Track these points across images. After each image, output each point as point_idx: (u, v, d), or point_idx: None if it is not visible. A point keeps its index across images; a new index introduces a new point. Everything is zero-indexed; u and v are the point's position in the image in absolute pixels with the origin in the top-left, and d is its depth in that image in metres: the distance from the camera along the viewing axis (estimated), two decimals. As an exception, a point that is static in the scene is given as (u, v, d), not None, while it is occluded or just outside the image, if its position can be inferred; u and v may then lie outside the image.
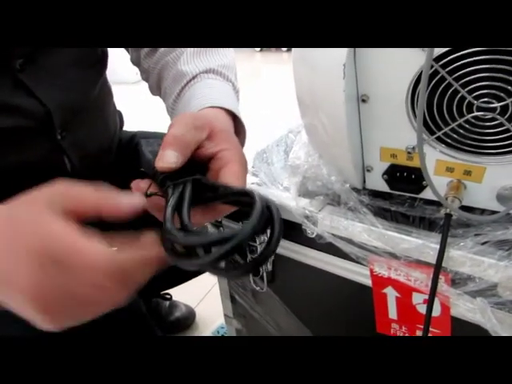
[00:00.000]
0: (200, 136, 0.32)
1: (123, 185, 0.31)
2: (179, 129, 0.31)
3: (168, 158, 0.30)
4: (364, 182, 0.52)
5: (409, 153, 0.45)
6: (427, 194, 0.48)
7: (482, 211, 0.47)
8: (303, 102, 0.46)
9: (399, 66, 0.39)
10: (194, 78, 0.49)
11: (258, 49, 4.80)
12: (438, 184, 0.46)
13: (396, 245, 0.46)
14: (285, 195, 0.55)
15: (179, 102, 0.50)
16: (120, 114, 0.76)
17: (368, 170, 0.50)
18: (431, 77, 0.38)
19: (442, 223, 0.44)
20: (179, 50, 0.53)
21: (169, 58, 0.53)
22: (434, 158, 0.45)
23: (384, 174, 0.49)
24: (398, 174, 0.48)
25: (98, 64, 0.59)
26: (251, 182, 0.60)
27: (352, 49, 0.39)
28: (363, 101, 0.43)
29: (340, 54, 0.38)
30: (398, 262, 0.47)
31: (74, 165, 0.57)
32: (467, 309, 0.43)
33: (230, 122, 0.45)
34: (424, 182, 0.48)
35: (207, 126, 0.34)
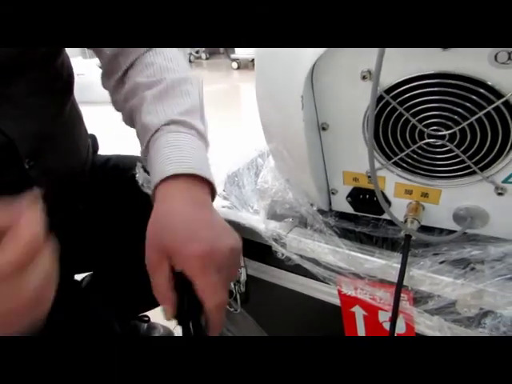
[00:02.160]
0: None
1: (99, 207, 0.32)
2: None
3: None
4: (330, 204, 0.54)
5: (369, 176, 0.47)
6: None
7: (442, 231, 0.49)
8: (268, 131, 0.48)
9: (354, 97, 0.41)
10: (156, 131, 0.47)
11: (236, 66, 4.87)
12: (399, 205, 0.48)
13: (360, 265, 0.48)
14: (255, 218, 0.56)
15: (148, 159, 0.48)
16: (93, 138, 0.76)
17: (333, 193, 0.52)
18: (384, 106, 0.40)
19: (403, 244, 0.46)
20: (141, 94, 0.50)
21: (134, 102, 0.51)
22: (393, 182, 0.47)
23: (348, 196, 0.51)
24: (361, 197, 0.50)
25: (65, 89, 0.60)
26: (222, 206, 0.61)
27: (309, 81, 0.41)
28: (323, 129, 0.45)
29: (298, 87, 0.40)
30: (362, 282, 0.48)
31: (44, 192, 0.57)
32: (427, 326, 0.45)
33: (189, 191, 0.43)
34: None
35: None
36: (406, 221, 0.46)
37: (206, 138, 0.50)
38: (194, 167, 0.43)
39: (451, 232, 0.46)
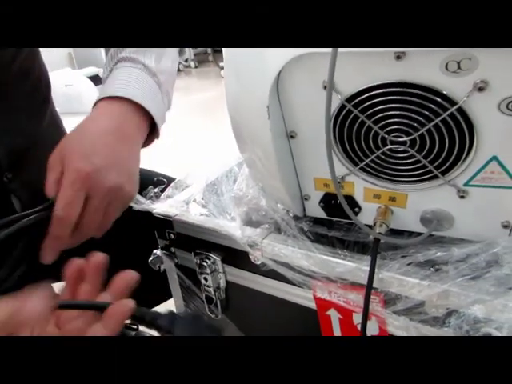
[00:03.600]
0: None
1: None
2: None
3: None
4: (304, 210, 0.55)
5: (338, 182, 0.48)
6: (361, 219, 0.52)
7: (411, 233, 0.50)
8: (239, 139, 0.49)
9: (318, 106, 0.42)
10: (110, 70, 0.53)
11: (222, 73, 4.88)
12: (370, 210, 0.50)
13: (332, 269, 0.49)
14: (232, 225, 0.57)
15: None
16: None
17: (306, 199, 0.53)
18: (347, 114, 0.42)
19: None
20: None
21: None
22: (362, 187, 0.48)
23: (320, 202, 0.52)
24: (332, 202, 0.51)
25: (43, 101, 0.61)
26: (200, 213, 0.62)
27: (275, 91, 0.42)
28: (292, 137, 0.46)
29: (263, 97, 0.41)
30: (335, 286, 0.50)
31: (25, 203, 0.58)
32: (396, 326, 0.46)
33: (119, 116, 0.47)
34: (356, 209, 0.51)
35: None
36: (375, 224, 0.47)
37: (155, 74, 0.53)
38: (130, 94, 0.47)
39: (420, 234, 0.47)
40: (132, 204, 0.63)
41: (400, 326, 0.45)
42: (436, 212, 0.46)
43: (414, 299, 0.44)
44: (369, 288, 0.45)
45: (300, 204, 0.54)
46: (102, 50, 4.07)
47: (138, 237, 0.69)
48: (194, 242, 0.61)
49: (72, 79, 3.62)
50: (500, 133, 0.37)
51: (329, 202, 0.51)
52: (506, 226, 0.44)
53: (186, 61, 5.80)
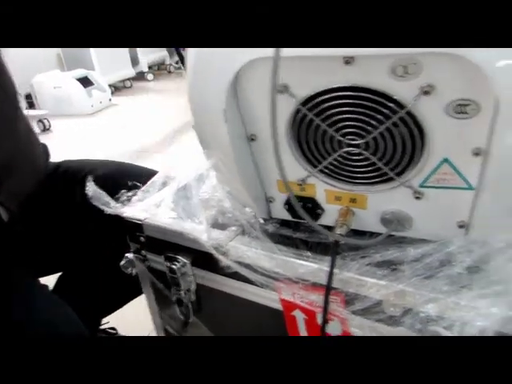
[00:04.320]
0: None
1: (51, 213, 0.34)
2: None
3: None
4: (270, 212, 0.56)
5: (299, 184, 0.49)
6: (324, 221, 0.52)
7: (373, 234, 0.51)
8: (203, 142, 0.50)
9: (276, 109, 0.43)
10: None
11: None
12: (332, 211, 0.50)
13: (294, 270, 0.49)
14: (199, 228, 0.58)
15: None
16: (44, 146, 0.76)
17: (271, 201, 0.54)
18: (304, 116, 0.42)
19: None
20: None
21: None
22: (323, 189, 0.49)
23: (285, 204, 0.53)
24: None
25: (13, 109, 0.61)
26: (170, 217, 0.62)
27: (232, 94, 0.43)
28: (252, 139, 0.47)
29: (220, 101, 0.41)
30: (298, 287, 0.50)
31: (13, 212, 0.58)
32: (356, 326, 0.46)
33: None
34: (319, 211, 0.52)
35: None
36: (335, 226, 0.48)
37: None
38: None
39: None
40: (104, 207, 0.64)
41: (358, 326, 0.46)
42: (395, 213, 0.47)
43: (372, 299, 0.45)
44: (328, 289, 0.45)
45: (265, 206, 0.55)
46: (92, 51, 4.05)
47: (111, 240, 0.69)
48: (164, 245, 0.61)
49: (61, 81, 3.61)
50: (449, 135, 0.38)
51: (292, 203, 0.52)
52: (461, 226, 0.45)
53: (177, 63, 5.80)
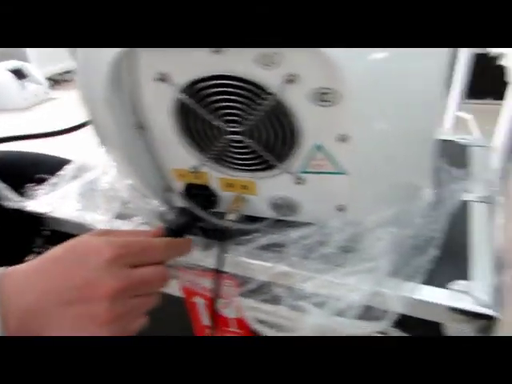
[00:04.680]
0: None
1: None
2: None
3: None
4: (171, 201, 0.57)
5: (192, 172, 0.50)
6: (221, 207, 0.54)
7: (267, 219, 0.53)
8: (99, 137, 0.50)
9: (157, 98, 0.44)
10: None
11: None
12: (227, 198, 0.52)
13: (190, 257, 0.50)
14: (101, 219, 0.58)
15: None
16: None
17: (169, 190, 0.55)
18: (186, 105, 0.43)
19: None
20: None
21: None
22: (216, 176, 0.50)
23: (183, 191, 0.54)
24: (193, 191, 0.53)
25: None
26: (74, 209, 0.61)
27: (115, 82, 0.43)
28: (141, 128, 0.47)
29: (101, 88, 0.42)
30: (194, 273, 0.51)
31: None
32: (247, 308, 0.49)
33: None
34: (214, 197, 0.53)
35: None
36: (227, 212, 0.50)
37: None
38: None
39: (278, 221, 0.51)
40: (5, 202, 0.62)
41: (249, 308, 0.48)
42: (283, 198, 0.49)
43: (258, 280, 0.47)
44: (217, 272, 0.47)
45: (165, 196, 0.56)
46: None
47: (14, 235, 0.67)
48: (68, 239, 0.60)
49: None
50: (317, 123, 0.41)
51: (190, 191, 0.53)
52: (340, 209, 0.48)
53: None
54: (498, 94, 1.22)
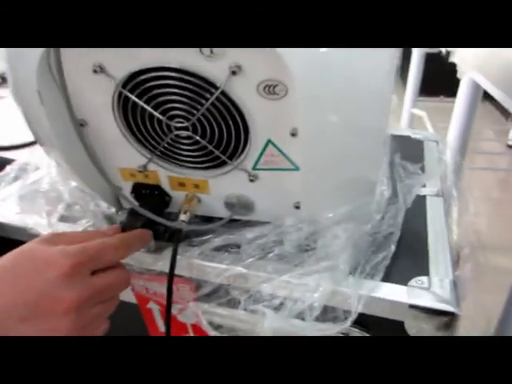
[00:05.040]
0: None
1: None
2: None
3: None
4: (120, 201, 0.53)
5: (140, 171, 0.47)
6: (174, 207, 0.51)
7: (221, 219, 0.51)
8: (35, 136, 0.46)
9: (95, 92, 0.40)
10: None
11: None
12: (180, 197, 0.49)
13: (141, 261, 0.47)
14: (43, 223, 0.54)
15: None
16: None
17: (119, 191, 0.51)
18: (127, 100, 0.40)
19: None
20: None
21: None
22: (166, 175, 0.47)
23: (132, 192, 0.51)
24: (143, 192, 0.50)
25: None
26: (16, 212, 0.57)
27: (47, 74, 0.39)
28: (81, 125, 0.44)
29: (31, 81, 0.38)
30: (145, 278, 0.49)
31: None
32: (204, 312, 0.46)
33: None
34: (167, 198, 0.50)
35: None
36: (179, 212, 0.47)
37: None
38: None
39: (233, 221, 0.48)
40: None
41: (205, 312, 0.46)
42: (238, 197, 0.47)
43: (213, 283, 0.45)
44: (170, 276, 0.44)
45: (113, 196, 0.52)
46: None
47: None
48: (6, 243, 0.56)
49: None
50: (266, 116, 0.38)
51: (139, 191, 0.50)
52: (297, 207, 0.46)
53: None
54: (451, 91, 1.24)
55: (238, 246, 0.45)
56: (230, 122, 0.39)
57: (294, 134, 0.39)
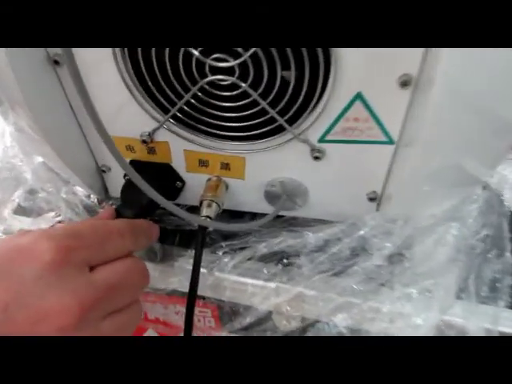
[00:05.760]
0: None
1: None
2: None
3: None
4: (106, 188, 0.38)
5: (144, 142, 0.32)
6: (187, 198, 0.36)
7: (255, 216, 0.36)
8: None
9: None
10: None
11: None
12: (197, 182, 0.34)
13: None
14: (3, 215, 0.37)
15: None
16: None
17: (104, 171, 0.36)
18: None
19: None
20: None
21: None
22: (181, 148, 0.32)
23: (126, 175, 0.35)
24: (144, 173, 0.35)
25: None
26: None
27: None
28: (56, 62, 0.28)
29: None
30: (149, 297, 0.33)
31: None
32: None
33: None
34: (178, 183, 0.35)
35: None
36: (201, 204, 0.32)
37: None
38: None
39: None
40: None
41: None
42: (284, 183, 0.33)
43: (256, 310, 0.30)
44: (190, 299, 0.29)
45: (97, 180, 0.37)
46: None
47: None
48: None
49: None
50: (364, 59, 0.24)
51: (139, 173, 0.35)
52: (372, 199, 0.32)
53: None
54: None
55: (291, 256, 0.31)
56: (307, 64, 0.25)
57: (405, 84, 0.25)
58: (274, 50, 0.25)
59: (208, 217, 0.31)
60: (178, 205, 0.37)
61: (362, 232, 0.29)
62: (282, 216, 0.35)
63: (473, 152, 0.27)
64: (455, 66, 0.21)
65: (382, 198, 0.32)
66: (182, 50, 0.26)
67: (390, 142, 0.28)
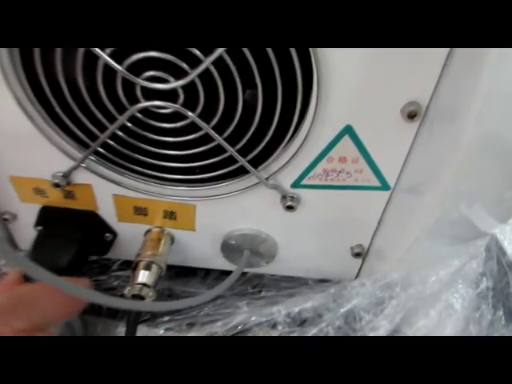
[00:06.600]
0: None
1: None
2: None
3: None
4: (13, 239, 0.29)
5: (57, 185, 0.23)
6: (121, 253, 0.28)
7: (207, 274, 0.29)
8: None
9: None
10: None
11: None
12: (133, 235, 0.26)
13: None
14: None
15: None
16: None
17: (7, 220, 0.27)
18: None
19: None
20: None
21: None
22: (109, 193, 0.24)
23: (37, 224, 0.26)
24: (59, 223, 0.26)
25: None
26: None
27: None
28: None
29: None
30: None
31: None
32: None
33: None
34: (107, 235, 0.27)
35: None
36: (136, 265, 0.24)
37: None
38: None
39: (228, 274, 0.26)
40: None
41: None
42: (247, 236, 0.25)
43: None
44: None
45: (0, 231, 0.28)
46: None
47: None
48: None
49: None
50: (358, 81, 0.18)
51: (51, 222, 0.26)
52: (357, 254, 0.25)
53: None
54: None
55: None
56: (279, 87, 0.18)
57: (413, 115, 0.18)
58: (231, 64, 0.17)
59: (145, 285, 0.23)
60: (108, 260, 0.29)
61: (349, 305, 0.22)
62: (245, 273, 0.27)
63: (488, 203, 0.21)
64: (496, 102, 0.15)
65: (368, 254, 0.26)
66: (102, 63, 0.18)
67: (385, 187, 0.22)
